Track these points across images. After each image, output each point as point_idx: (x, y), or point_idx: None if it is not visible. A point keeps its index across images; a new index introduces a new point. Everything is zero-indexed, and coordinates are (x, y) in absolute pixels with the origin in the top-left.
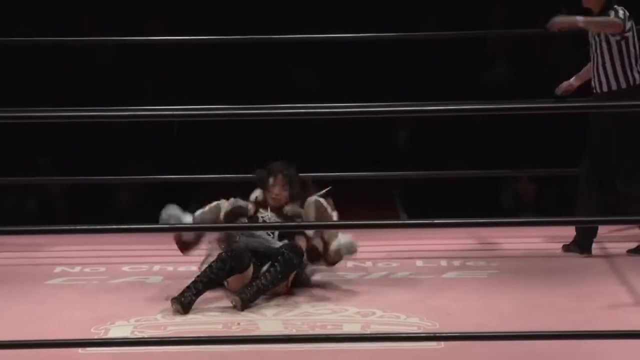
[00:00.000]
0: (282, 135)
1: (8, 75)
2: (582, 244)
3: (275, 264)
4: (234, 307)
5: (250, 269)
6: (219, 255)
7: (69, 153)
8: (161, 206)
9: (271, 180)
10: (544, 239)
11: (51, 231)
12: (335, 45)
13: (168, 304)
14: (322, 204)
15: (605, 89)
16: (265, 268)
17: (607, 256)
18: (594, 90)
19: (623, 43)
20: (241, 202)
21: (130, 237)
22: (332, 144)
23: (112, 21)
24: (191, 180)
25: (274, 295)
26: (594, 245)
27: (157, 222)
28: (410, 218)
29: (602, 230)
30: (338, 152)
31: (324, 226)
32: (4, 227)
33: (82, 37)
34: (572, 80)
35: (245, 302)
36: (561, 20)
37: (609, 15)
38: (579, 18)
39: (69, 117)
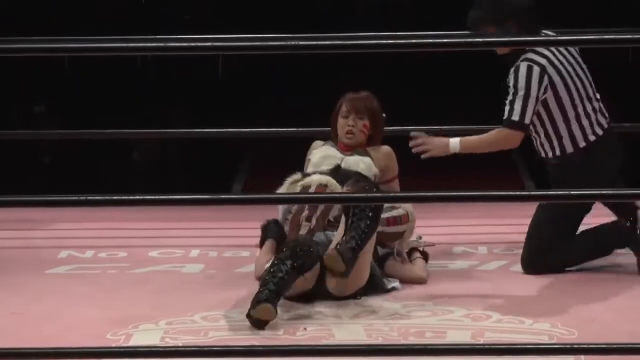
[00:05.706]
0: None
1: None
2: None
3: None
4: (330, 262)
5: (317, 267)
6: (281, 251)
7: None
8: (200, 169)
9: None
10: None
11: (53, 202)
12: None
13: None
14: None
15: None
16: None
17: None
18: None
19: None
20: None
21: (161, 212)
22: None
23: None
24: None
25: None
26: None
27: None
28: (538, 187)
29: None
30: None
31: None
32: None
33: None
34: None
35: (346, 260)
36: (430, 152)
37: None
38: (453, 144)
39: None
